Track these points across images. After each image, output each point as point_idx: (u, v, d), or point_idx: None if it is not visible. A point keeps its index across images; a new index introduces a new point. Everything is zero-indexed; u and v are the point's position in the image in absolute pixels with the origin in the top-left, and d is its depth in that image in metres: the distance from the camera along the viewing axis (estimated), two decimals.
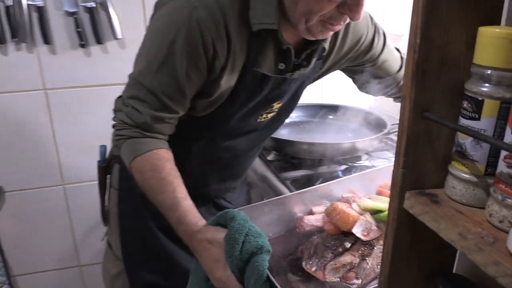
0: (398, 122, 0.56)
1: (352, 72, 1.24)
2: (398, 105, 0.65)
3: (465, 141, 0.52)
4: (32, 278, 1.98)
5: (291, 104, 1.15)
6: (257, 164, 1.53)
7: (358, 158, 1.48)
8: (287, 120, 1.23)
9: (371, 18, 1.12)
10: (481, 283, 0.63)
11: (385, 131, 1.45)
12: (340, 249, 0.86)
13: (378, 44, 1.14)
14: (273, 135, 1.33)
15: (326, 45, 1.02)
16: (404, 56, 1.03)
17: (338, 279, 0.82)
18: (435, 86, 0.53)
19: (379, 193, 1.04)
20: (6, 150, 1.74)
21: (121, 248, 1.19)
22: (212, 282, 0.83)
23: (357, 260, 0.84)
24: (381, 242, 0.86)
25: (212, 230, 0.84)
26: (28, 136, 1.74)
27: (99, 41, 1.64)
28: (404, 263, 0.61)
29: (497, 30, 0.47)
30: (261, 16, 0.89)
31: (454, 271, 0.68)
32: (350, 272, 0.83)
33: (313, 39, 0.94)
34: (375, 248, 0.86)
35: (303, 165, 1.45)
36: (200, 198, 1.17)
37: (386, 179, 1.06)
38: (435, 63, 0.52)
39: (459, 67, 0.53)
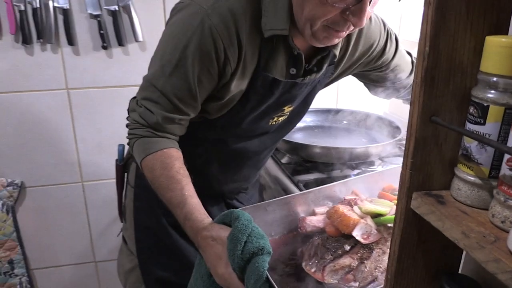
0: None
1: (364, 76, 1.25)
2: None
3: (471, 144, 0.54)
4: (48, 272, 2.02)
5: (303, 108, 1.17)
6: (271, 166, 1.54)
7: (372, 163, 1.48)
8: (301, 124, 1.24)
9: (384, 24, 1.13)
10: (487, 284, 0.65)
11: (399, 136, 1.45)
12: (340, 251, 0.87)
13: (390, 49, 1.15)
14: (287, 138, 1.35)
15: (337, 51, 1.03)
16: (415, 61, 1.04)
17: (337, 281, 0.83)
18: (443, 92, 0.55)
19: (381, 196, 1.04)
20: (28, 147, 1.78)
21: (135, 244, 1.22)
22: (214, 278, 0.85)
23: (356, 262, 0.85)
24: (380, 245, 0.87)
25: (217, 228, 0.85)
26: (49, 133, 1.78)
27: (120, 43, 1.68)
28: (410, 260, 0.63)
29: (504, 39, 0.49)
30: (273, 23, 0.91)
31: (460, 272, 0.70)
32: (348, 274, 0.84)
33: (320, 45, 0.95)
34: (374, 251, 0.86)
35: (317, 168, 1.46)
36: (212, 197, 1.20)
37: (389, 181, 1.07)
38: (443, 70, 0.54)
39: (466, 74, 0.55)
